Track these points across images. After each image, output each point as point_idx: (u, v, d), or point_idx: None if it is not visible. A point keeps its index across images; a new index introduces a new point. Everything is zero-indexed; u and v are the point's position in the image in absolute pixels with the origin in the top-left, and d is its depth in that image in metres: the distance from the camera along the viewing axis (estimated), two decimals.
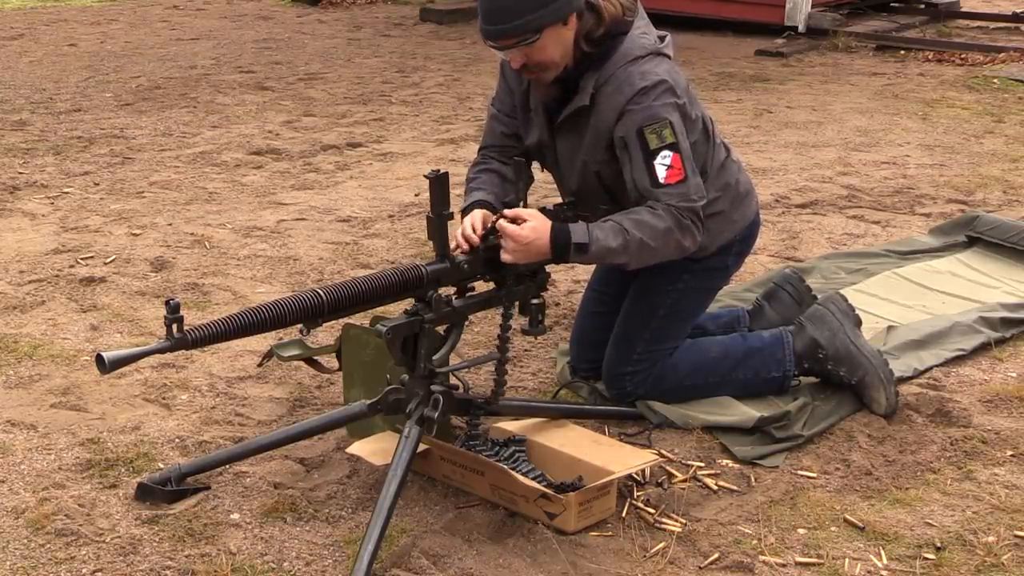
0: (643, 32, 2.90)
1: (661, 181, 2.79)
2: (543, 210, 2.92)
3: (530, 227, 2.73)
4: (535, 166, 3.11)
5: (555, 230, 2.74)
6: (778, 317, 3.41)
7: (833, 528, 2.72)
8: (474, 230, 2.76)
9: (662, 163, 2.78)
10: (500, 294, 2.82)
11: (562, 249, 2.74)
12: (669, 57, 2.92)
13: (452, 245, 2.74)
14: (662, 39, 2.94)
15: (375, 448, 2.82)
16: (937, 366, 3.54)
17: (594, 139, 2.91)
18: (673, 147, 2.79)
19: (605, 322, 3.24)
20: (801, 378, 3.30)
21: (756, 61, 8.85)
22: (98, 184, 5.41)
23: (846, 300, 3.33)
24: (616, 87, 2.83)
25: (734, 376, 3.21)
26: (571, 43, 2.84)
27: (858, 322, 3.29)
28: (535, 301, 2.83)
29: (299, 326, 2.52)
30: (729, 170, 3.14)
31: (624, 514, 2.74)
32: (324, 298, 2.50)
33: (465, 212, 2.89)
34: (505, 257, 2.73)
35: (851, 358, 3.20)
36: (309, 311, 2.49)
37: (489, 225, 2.76)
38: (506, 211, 2.77)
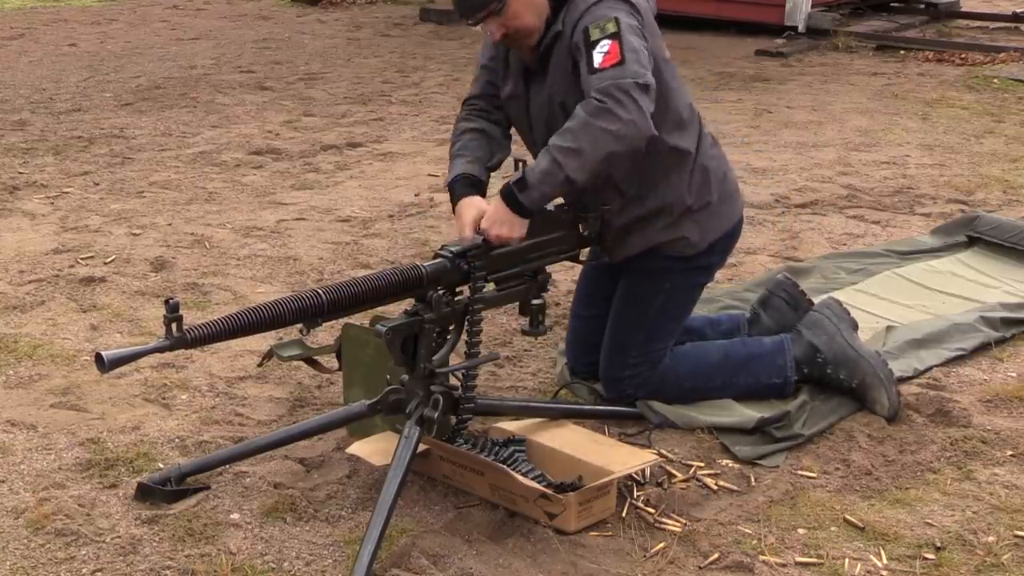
0: None
1: (596, 67, 2.75)
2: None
3: (491, 209, 2.78)
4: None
5: (500, 191, 2.78)
6: (775, 324, 3.40)
7: (833, 528, 2.72)
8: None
9: (600, 51, 2.75)
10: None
11: (510, 195, 2.74)
12: None
13: (468, 234, 2.78)
14: None
15: (375, 448, 2.82)
16: (937, 366, 3.54)
17: (559, 65, 2.91)
18: (613, 36, 2.76)
19: (597, 324, 3.24)
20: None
21: (756, 61, 8.84)
22: (98, 184, 5.41)
23: (840, 304, 3.33)
24: (577, 14, 2.85)
25: (735, 381, 3.20)
26: (544, 5, 2.88)
27: (854, 325, 3.29)
28: (536, 302, 2.83)
29: (299, 326, 2.52)
30: (719, 161, 3.15)
31: (624, 514, 2.74)
32: (324, 298, 2.50)
33: (451, 188, 2.93)
34: (505, 239, 2.76)
35: (850, 360, 3.20)
36: (309, 311, 2.49)
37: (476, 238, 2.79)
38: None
